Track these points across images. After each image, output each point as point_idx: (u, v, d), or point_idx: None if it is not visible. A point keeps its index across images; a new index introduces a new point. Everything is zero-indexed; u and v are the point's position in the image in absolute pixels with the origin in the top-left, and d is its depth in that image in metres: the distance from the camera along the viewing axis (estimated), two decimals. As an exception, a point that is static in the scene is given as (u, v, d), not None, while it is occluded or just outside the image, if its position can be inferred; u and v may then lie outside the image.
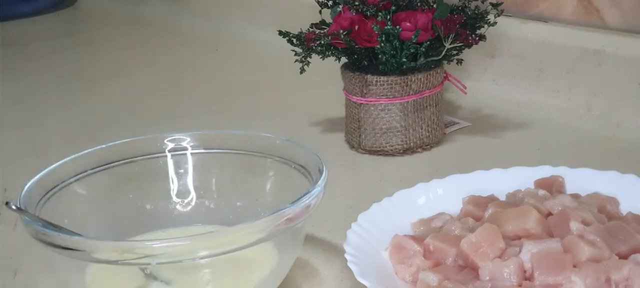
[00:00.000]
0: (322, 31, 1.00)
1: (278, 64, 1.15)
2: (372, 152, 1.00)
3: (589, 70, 1.09)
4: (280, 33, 1.01)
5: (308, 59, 0.99)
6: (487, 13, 1.00)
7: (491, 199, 0.77)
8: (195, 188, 0.78)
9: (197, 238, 0.63)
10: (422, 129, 1.00)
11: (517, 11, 1.18)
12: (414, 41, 0.96)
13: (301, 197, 0.65)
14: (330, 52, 1.00)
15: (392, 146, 1.00)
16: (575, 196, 0.76)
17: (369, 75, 0.98)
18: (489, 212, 0.73)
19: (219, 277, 0.65)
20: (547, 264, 0.64)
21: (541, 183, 0.79)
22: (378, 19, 0.96)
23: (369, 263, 0.68)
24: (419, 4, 0.99)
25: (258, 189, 0.77)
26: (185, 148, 0.78)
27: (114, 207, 0.76)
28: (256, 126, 1.08)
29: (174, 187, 0.78)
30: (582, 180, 0.80)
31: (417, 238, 0.71)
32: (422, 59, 0.98)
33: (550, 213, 0.72)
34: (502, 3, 1.01)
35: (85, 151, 0.76)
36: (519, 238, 0.68)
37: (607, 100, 1.07)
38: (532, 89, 1.14)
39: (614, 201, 0.76)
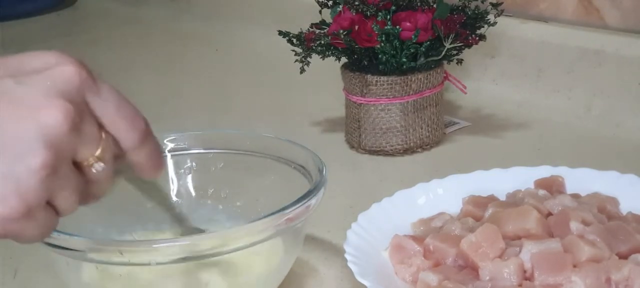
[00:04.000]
0: (322, 31, 1.00)
1: (278, 64, 1.15)
2: (372, 152, 1.00)
3: (589, 70, 1.09)
4: (281, 33, 1.01)
5: (308, 59, 0.99)
6: (487, 13, 1.00)
7: (491, 199, 0.77)
8: (195, 188, 0.78)
9: (197, 238, 0.63)
10: (422, 128, 1.00)
11: (517, 11, 1.18)
12: (414, 41, 0.96)
13: (301, 197, 0.65)
14: (330, 52, 1.00)
15: (392, 146, 1.00)
16: (575, 196, 0.76)
17: (369, 75, 0.98)
18: (489, 212, 0.73)
19: (219, 277, 0.65)
20: (547, 264, 0.64)
21: (541, 183, 0.79)
22: (378, 19, 0.96)
23: (369, 263, 0.68)
24: (419, 4, 0.99)
25: (258, 189, 0.77)
26: (185, 149, 0.78)
27: (113, 207, 0.76)
28: (256, 126, 1.08)
29: (173, 187, 0.78)
30: (582, 180, 0.79)
31: (417, 238, 0.71)
32: (422, 59, 0.98)
33: (550, 213, 0.72)
34: (502, 3, 1.01)
35: (85, 151, 0.75)
36: (519, 238, 0.68)
37: (607, 100, 1.07)
38: (532, 89, 1.14)
39: (614, 201, 0.76)
